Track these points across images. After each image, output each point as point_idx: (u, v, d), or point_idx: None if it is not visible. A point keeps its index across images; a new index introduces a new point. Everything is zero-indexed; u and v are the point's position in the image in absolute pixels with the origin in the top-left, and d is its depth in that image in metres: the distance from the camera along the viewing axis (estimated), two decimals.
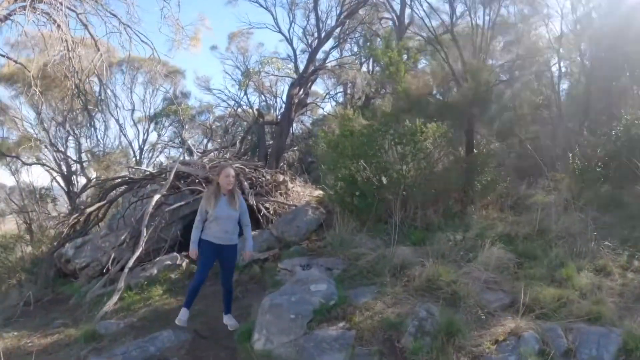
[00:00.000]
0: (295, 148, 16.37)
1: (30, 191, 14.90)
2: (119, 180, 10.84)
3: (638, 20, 9.15)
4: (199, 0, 33.70)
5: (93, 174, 15.91)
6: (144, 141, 18.73)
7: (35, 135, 14.22)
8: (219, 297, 5.29)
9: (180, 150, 16.25)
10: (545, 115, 10.82)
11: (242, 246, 5.21)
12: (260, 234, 7.78)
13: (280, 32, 16.31)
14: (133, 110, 18.38)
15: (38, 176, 27.64)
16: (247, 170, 9.42)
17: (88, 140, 15.91)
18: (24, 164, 14.83)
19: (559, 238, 6.24)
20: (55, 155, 15.37)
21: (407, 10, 14.58)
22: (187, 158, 11.85)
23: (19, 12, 5.96)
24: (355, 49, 17.93)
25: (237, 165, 9.07)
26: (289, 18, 16.66)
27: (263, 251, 7.16)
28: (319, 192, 9.54)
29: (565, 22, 10.21)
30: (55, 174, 15.45)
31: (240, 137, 15.38)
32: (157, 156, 19.36)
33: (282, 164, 12.61)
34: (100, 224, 10.00)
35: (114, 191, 10.49)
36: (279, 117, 15.23)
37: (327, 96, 18.42)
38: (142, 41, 7.43)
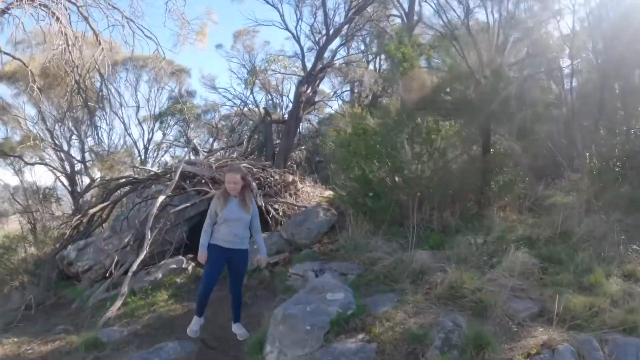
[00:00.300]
0: (303, 147, 16.11)
1: (34, 191, 14.75)
2: (123, 180, 10.66)
3: None
4: None
5: (97, 174, 15.78)
6: (149, 140, 18.62)
7: (37, 134, 14.02)
8: (227, 303, 4.99)
9: (186, 149, 16.06)
10: (556, 113, 10.58)
11: (251, 250, 4.93)
12: (269, 236, 7.50)
13: (287, 29, 16.12)
14: (138, 109, 18.30)
15: (41, 176, 27.48)
16: (254, 170, 9.15)
17: (89, 138, 15.76)
18: (27, 163, 14.68)
19: (583, 241, 5.99)
20: (58, 154, 15.22)
21: (416, 8, 14.46)
22: (192, 157, 11.63)
23: (16, 5, 5.69)
24: (362, 47, 17.78)
25: (244, 164, 8.81)
26: (296, 15, 16.47)
27: (272, 255, 6.88)
28: (328, 193, 9.26)
29: (576, 18, 9.94)
30: (58, 174, 15.34)
31: (247, 136, 15.16)
32: (162, 156, 19.27)
33: (289, 163, 12.33)
34: (103, 225, 9.81)
35: (118, 191, 10.29)
36: (286, 115, 15.02)
37: (334, 95, 18.20)
38: (146, 36, 7.15)
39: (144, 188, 9.58)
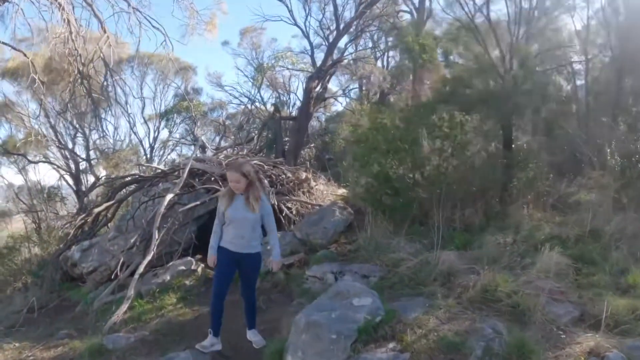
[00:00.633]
0: (312, 145, 15.79)
1: (39, 190, 14.55)
2: (129, 178, 10.36)
3: None
4: None
5: (102, 172, 15.61)
6: (155, 139, 18.45)
7: (40, 132, 13.77)
8: (241, 306, 4.61)
9: (192, 147, 15.77)
10: (573, 110, 10.30)
11: (265, 251, 4.60)
12: (282, 236, 7.12)
13: (296, 24, 15.91)
14: (143, 107, 18.12)
15: (45, 174, 27.32)
16: (266, 167, 8.81)
17: (93, 132, 15.49)
18: (30, 162, 14.46)
19: (615, 240, 5.74)
20: (62, 152, 14.99)
21: (426, 4, 14.21)
22: (200, 154, 11.34)
23: None
24: (370, 44, 17.55)
25: (255, 161, 8.48)
26: (305, 10, 16.26)
27: (287, 256, 6.51)
28: (342, 191, 8.92)
29: (591, 11, 9.62)
30: (63, 172, 15.14)
31: (255, 133, 14.87)
32: (169, 154, 19.06)
33: (299, 160, 12.02)
34: (109, 225, 9.52)
35: (124, 190, 10.00)
36: (295, 112, 14.74)
37: (344, 92, 17.90)
38: (153, 27, 6.82)
39: (150, 186, 9.29)
